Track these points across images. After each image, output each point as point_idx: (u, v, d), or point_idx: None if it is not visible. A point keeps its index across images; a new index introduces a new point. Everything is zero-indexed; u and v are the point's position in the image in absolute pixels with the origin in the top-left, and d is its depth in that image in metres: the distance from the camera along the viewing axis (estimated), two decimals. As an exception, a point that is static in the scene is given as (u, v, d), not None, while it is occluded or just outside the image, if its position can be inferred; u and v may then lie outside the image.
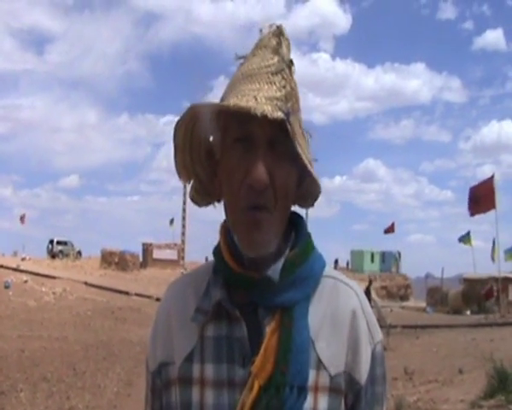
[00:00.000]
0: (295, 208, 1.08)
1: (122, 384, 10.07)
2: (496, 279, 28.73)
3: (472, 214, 27.56)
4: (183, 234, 45.04)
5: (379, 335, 1.05)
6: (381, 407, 1.05)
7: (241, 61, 1.04)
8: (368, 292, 20.56)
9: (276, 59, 0.98)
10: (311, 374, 0.96)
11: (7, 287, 23.88)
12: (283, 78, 0.97)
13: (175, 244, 44.84)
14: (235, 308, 0.99)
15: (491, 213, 26.90)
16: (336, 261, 48.26)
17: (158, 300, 19.73)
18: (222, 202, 1.05)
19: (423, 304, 35.17)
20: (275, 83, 0.95)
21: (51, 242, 46.68)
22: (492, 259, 31.60)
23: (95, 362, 11.85)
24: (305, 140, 1.02)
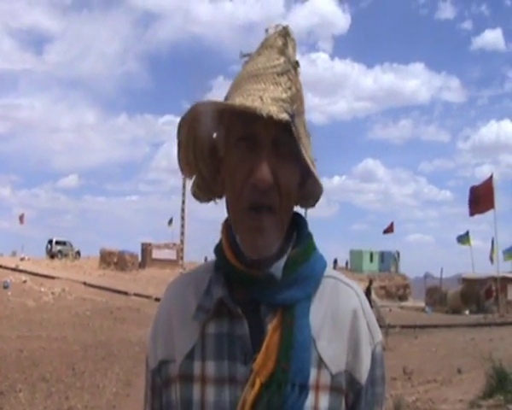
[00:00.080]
0: (296, 208, 1.08)
1: (121, 384, 10.05)
2: (495, 279, 28.77)
3: (471, 214, 27.64)
4: (182, 234, 45.00)
5: (379, 336, 1.05)
6: (380, 408, 1.06)
7: (246, 59, 1.05)
8: (368, 292, 20.59)
9: (282, 60, 0.98)
10: (313, 372, 0.96)
11: (6, 287, 23.87)
12: (289, 79, 0.97)
13: (174, 244, 44.82)
14: (237, 306, 0.99)
15: (490, 212, 26.98)
16: (335, 261, 48.31)
17: (157, 300, 19.74)
18: (223, 199, 1.06)
19: (422, 304, 35.19)
20: (280, 84, 0.96)
21: (50, 242, 46.67)
22: (491, 260, 31.67)
23: (94, 362, 11.84)
24: (308, 141, 1.02)
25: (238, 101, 0.94)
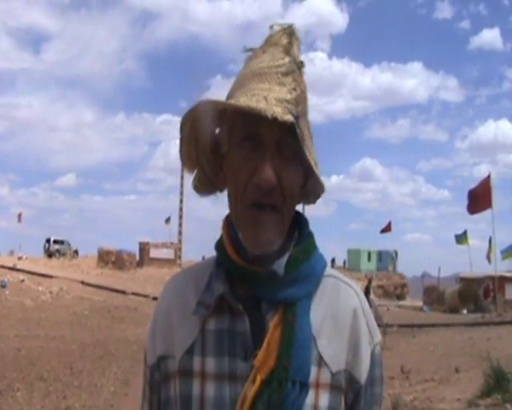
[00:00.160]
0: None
1: (119, 383, 10.05)
2: (492, 278, 28.83)
3: (471, 213, 27.74)
4: (180, 233, 45.05)
5: (378, 336, 1.06)
6: (379, 408, 1.06)
7: (250, 53, 1.04)
8: (367, 291, 20.62)
9: (286, 59, 0.98)
10: (313, 371, 0.96)
11: (3, 286, 23.84)
12: (294, 79, 0.97)
13: (172, 243, 44.85)
14: (238, 302, 0.99)
15: (488, 212, 27.05)
16: (333, 260, 48.37)
17: (155, 299, 19.71)
18: (223, 193, 1.06)
19: (420, 303, 35.25)
20: (285, 84, 0.96)
21: (48, 241, 46.64)
22: (488, 259, 31.75)
23: (91, 361, 11.83)
24: (312, 142, 1.02)
25: (242, 101, 0.93)
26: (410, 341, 16.42)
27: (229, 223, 1.05)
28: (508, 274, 31.28)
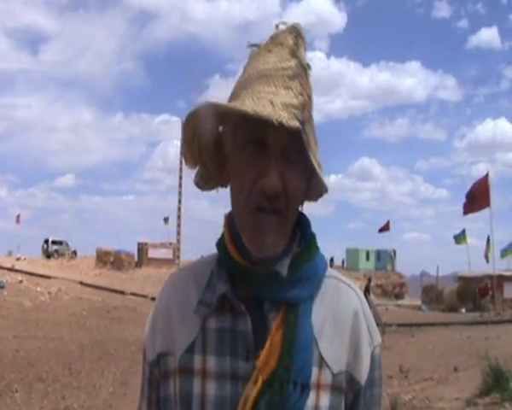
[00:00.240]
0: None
1: (117, 384, 10.05)
2: (491, 277, 28.87)
3: (465, 213, 27.75)
4: (179, 233, 45.00)
5: (378, 338, 1.06)
6: (378, 409, 1.07)
7: (254, 49, 1.03)
8: (367, 290, 20.61)
9: (293, 62, 0.97)
10: (314, 372, 0.96)
11: (2, 287, 23.78)
12: (300, 83, 0.96)
13: (170, 243, 44.79)
14: (240, 302, 0.98)
15: (486, 211, 27.08)
16: (332, 260, 48.30)
17: (153, 299, 19.57)
18: (222, 191, 1.06)
19: (418, 302, 35.29)
20: (292, 88, 0.95)
21: (46, 241, 46.54)
22: (486, 259, 31.77)
23: (90, 362, 11.82)
24: (317, 147, 1.02)
25: (248, 104, 0.92)
26: (408, 340, 16.43)
27: (230, 221, 1.04)
28: (506, 273, 31.32)
